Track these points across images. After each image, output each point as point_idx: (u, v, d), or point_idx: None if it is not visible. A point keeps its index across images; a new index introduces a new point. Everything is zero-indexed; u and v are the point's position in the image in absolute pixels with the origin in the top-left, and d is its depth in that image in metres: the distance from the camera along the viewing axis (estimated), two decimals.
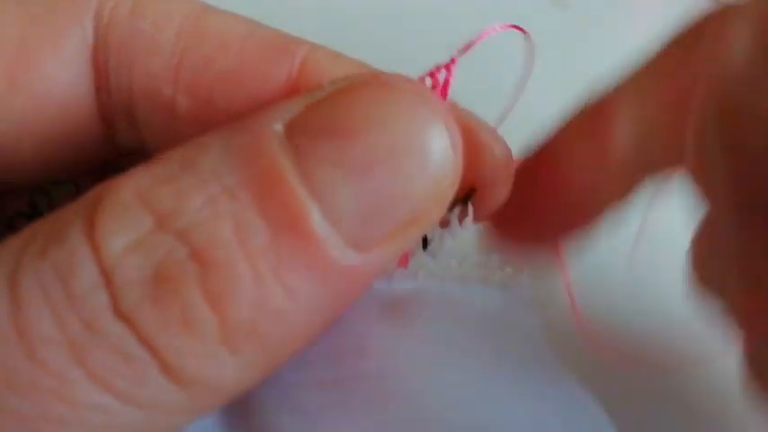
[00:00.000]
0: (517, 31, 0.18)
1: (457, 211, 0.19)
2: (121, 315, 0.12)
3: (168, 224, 0.12)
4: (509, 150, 0.19)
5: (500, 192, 0.19)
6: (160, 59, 0.17)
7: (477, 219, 0.19)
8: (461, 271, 0.20)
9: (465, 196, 0.19)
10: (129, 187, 0.13)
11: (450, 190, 0.15)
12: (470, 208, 0.19)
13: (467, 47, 0.18)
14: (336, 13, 0.59)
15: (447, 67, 0.18)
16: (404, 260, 0.19)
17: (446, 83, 0.18)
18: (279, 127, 0.13)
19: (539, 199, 0.22)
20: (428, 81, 0.18)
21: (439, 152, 0.14)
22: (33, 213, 0.19)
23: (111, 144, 0.20)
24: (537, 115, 0.50)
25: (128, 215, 0.12)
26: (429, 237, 0.19)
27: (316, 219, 0.13)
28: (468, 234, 0.20)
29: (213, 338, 0.12)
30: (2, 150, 0.17)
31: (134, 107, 0.18)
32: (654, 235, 0.31)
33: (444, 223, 0.19)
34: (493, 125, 0.20)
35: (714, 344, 0.30)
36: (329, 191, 0.13)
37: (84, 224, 0.12)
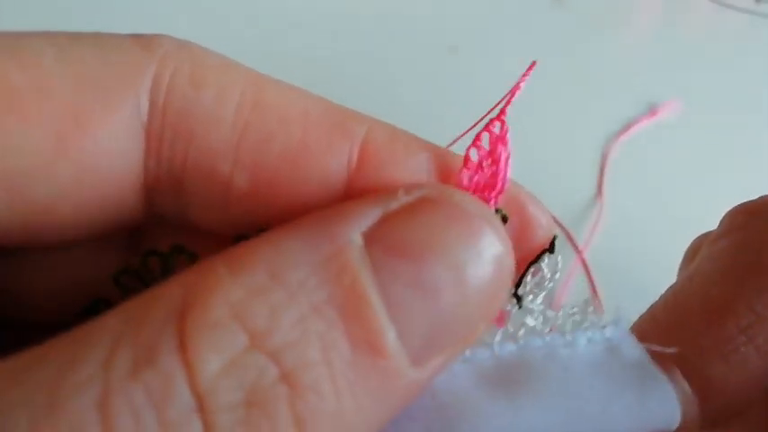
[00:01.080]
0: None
1: (546, 260, 0.19)
2: None
3: (262, 343, 0.12)
4: (551, 220, 0.20)
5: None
6: (220, 135, 0.17)
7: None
8: (559, 321, 0.20)
9: (551, 246, 0.19)
10: (222, 302, 0.12)
11: (498, 308, 0.15)
12: (558, 256, 0.19)
13: (511, 96, 0.18)
14: (341, 17, 0.59)
15: (501, 121, 0.18)
16: (500, 319, 0.19)
17: (503, 137, 0.18)
18: (358, 238, 0.13)
19: None
20: (473, 153, 0.18)
21: (498, 277, 0.14)
22: (143, 272, 0.19)
23: (149, 212, 0.19)
24: (537, 115, 0.50)
25: (222, 334, 0.12)
26: (520, 293, 0.19)
27: (392, 339, 0.13)
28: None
29: None
30: (44, 215, 0.17)
31: (186, 179, 0.17)
32: None
33: (535, 275, 0.19)
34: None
35: None
36: (404, 312, 0.13)
37: (176, 342, 0.12)
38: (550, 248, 0.19)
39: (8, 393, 0.12)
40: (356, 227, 0.14)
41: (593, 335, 0.20)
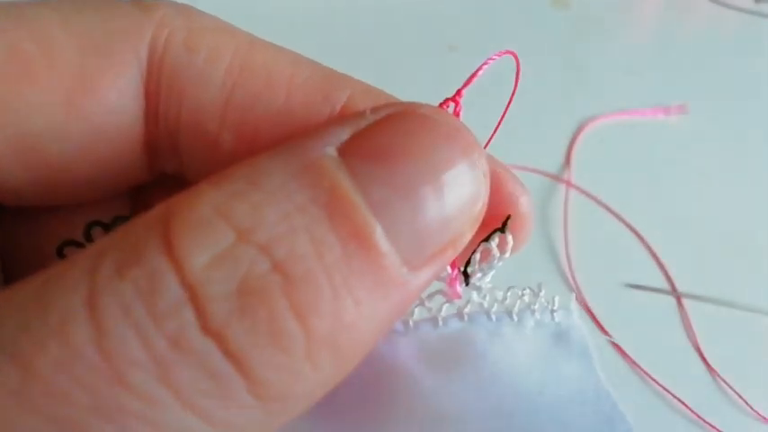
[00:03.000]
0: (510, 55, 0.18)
1: (497, 240, 0.19)
2: (209, 330, 0.12)
3: (249, 237, 0.12)
4: (527, 191, 0.20)
5: (525, 231, 0.20)
6: (209, 95, 0.17)
7: (507, 251, 0.19)
8: (507, 301, 0.19)
9: (502, 225, 0.19)
10: (206, 203, 0.12)
11: (480, 214, 0.15)
12: (509, 236, 0.19)
13: (469, 80, 0.18)
14: (333, 13, 0.59)
15: (455, 101, 0.18)
16: (456, 293, 0.19)
17: (456, 116, 0.18)
18: (332, 151, 0.14)
19: None
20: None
21: (473, 178, 0.14)
22: (87, 244, 0.19)
23: (150, 169, 0.20)
24: (536, 115, 0.50)
25: (209, 230, 0.12)
26: (469, 271, 0.19)
27: (379, 235, 0.13)
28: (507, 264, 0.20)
29: (299, 352, 0.12)
30: (57, 174, 0.17)
31: (179, 137, 0.18)
32: None
33: (485, 256, 0.19)
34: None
35: None
36: (387, 209, 0.13)
37: (162, 241, 0.12)
38: (502, 228, 0.18)
39: (1, 302, 0.12)
40: (328, 142, 0.14)
41: (543, 318, 0.19)
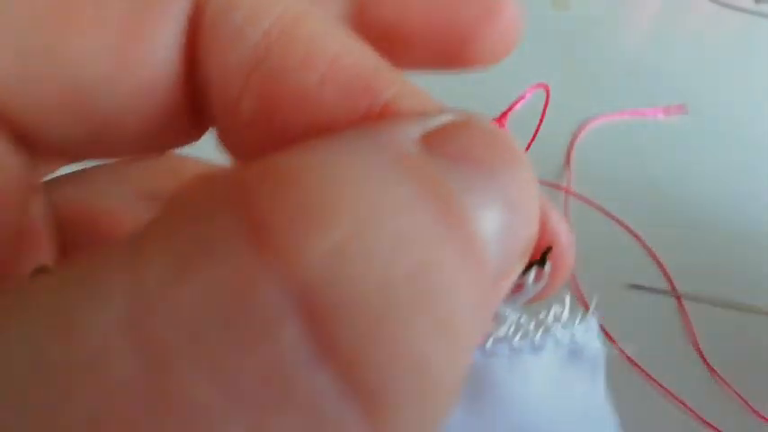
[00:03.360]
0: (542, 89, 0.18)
1: (534, 272, 0.18)
2: (331, 358, 0.09)
3: (378, 225, 0.09)
4: (570, 232, 0.19)
5: (565, 267, 0.19)
6: (238, 55, 0.16)
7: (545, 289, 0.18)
8: (531, 326, 0.19)
9: (542, 258, 0.18)
10: (310, 172, 0.10)
11: (533, 244, 0.14)
12: (548, 267, 0.18)
13: (508, 110, 0.17)
14: None
15: (501, 123, 0.17)
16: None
17: None
18: (412, 144, 0.11)
19: None
20: None
21: (534, 204, 0.13)
22: None
23: (193, 131, 0.19)
24: (536, 115, 0.50)
25: (318, 210, 0.09)
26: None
27: (484, 247, 0.11)
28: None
29: (448, 384, 0.10)
30: (105, 129, 0.17)
31: (209, 100, 0.17)
32: None
33: (518, 288, 0.18)
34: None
35: None
36: (479, 216, 0.11)
37: (246, 228, 0.09)
38: (541, 260, 0.17)
39: (10, 315, 0.09)
40: (406, 133, 0.11)
41: (562, 337, 0.19)
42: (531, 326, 0.19)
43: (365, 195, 0.09)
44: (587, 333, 0.19)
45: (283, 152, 0.10)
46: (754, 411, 0.37)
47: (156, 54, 0.16)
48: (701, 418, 0.36)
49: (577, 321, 0.19)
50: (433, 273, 0.09)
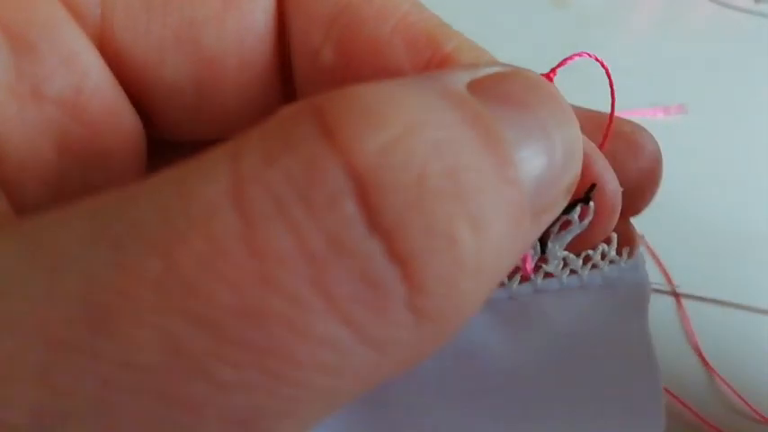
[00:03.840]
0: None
1: (579, 209, 0.18)
2: (377, 227, 0.10)
3: (421, 132, 0.11)
4: (657, 150, 0.19)
5: (649, 191, 0.20)
6: (321, 6, 0.18)
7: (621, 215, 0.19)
8: (578, 267, 0.19)
9: (585, 195, 0.18)
10: (366, 94, 0.11)
11: (576, 182, 0.15)
12: (592, 204, 0.18)
13: (557, 66, 0.18)
14: None
15: (549, 78, 0.18)
16: (527, 267, 0.19)
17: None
18: (463, 87, 0.13)
19: None
20: None
21: (578, 146, 0.14)
22: None
23: (281, 90, 0.20)
24: None
25: (376, 115, 0.11)
26: (546, 240, 0.18)
27: (519, 171, 0.12)
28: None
29: (470, 265, 0.11)
30: (208, 65, 0.18)
31: (291, 48, 0.19)
32: None
33: (565, 226, 0.18)
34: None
35: None
36: (518, 149, 0.12)
37: (318, 127, 0.11)
38: (585, 199, 0.18)
39: (138, 191, 0.11)
40: (456, 79, 0.13)
41: (609, 273, 0.19)
42: (580, 263, 0.19)
43: (415, 111, 0.11)
44: (634, 270, 0.20)
45: (346, 87, 0.12)
46: (754, 411, 0.37)
47: (257, 3, 0.18)
48: (701, 418, 0.36)
49: (624, 258, 0.19)
50: (467, 173, 0.11)
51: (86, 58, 0.16)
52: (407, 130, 0.11)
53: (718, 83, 0.58)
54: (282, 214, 0.10)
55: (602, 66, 0.18)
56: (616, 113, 0.22)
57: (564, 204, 0.14)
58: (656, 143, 0.19)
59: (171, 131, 0.20)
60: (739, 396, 0.37)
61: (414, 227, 0.10)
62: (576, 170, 0.14)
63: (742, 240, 0.45)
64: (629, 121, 0.19)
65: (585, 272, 0.19)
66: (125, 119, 0.17)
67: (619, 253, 0.19)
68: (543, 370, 0.18)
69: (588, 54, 0.19)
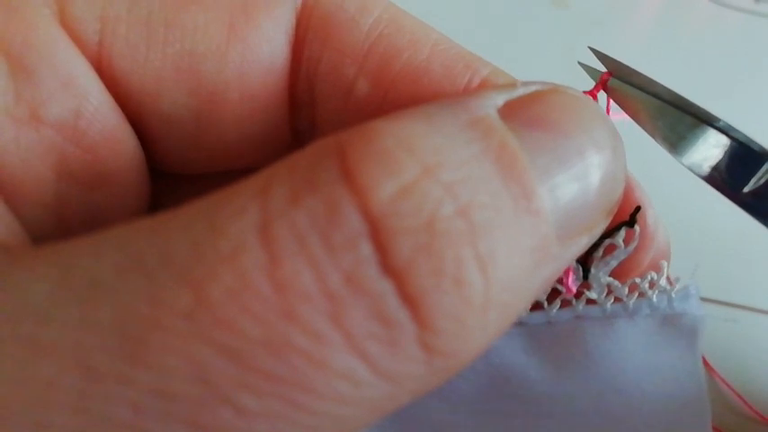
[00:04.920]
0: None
1: (623, 233, 0.18)
2: (389, 268, 0.11)
3: (435, 174, 0.11)
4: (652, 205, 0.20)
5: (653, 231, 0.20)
6: (354, 39, 0.17)
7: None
8: (623, 295, 0.18)
9: (631, 218, 0.18)
10: (387, 135, 0.12)
11: (618, 202, 0.15)
12: (637, 228, 0.18)
13: (600, 83, 0.18)
14: None
15: (593, 95, 0.18)
16: (569, 288, 0.18)
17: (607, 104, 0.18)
18: (494, 111, 0.13)
19: None
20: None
21: (621, 167, 0.14)
22: None
23: (290, 123, 0.20)
24: None
25: (393, 161, 0.11)
26: (589, 265, 0.18)
27: (546, 201, 0.13)
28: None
29: (478, 304, 0.12)
30: (209, 98, 0.17)
31: (317, 81, 0.18)
32: None
33: (610, 250, 0.18)
34: None
35: None
36: (548, 177, 0.13)
37: (340, 170, 0.11)
38: (630, 222, 0.18)
39: (169, 222, 0.11)
40: (487, 104, 0.13)
41: (659, 302, 0.18)
42: (626, 291, 0.18)
43: (431, 153, 0.12)
44: (687, 300, 0.19)
45: (377, 119, 0.12)
46: (755, 411, 0.37)
47: (266, 34, 0.17)
48: None
49: (675, 288, 0.19)
50: (482, 211, 0.12)
51: (85, 81, 0.16)
52: (422, 173, 0.11)
53: (718, 83, 0.58)
54: (305, 252, 0.11)
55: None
56: (616, 114, 0.21)
57: (604, 226, 0.15)
58: (667, 238, 0.20)
59: (170, 161, 0.19)
60: (739, 396, 0.37)
61: (422, 269, 0.11)
62: (617, 192, 0.14)
63: (742, 241, 0.45)
64: (642, 194, 0.19)
65: (631, 300, 0.18)
66: (125, 143, 0.17)
67: (669, 282, 0.19)
68: (581, 400, 0.17)
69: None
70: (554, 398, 0.17)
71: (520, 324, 0.18)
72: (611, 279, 0.18)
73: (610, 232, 0.18)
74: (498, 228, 0.12)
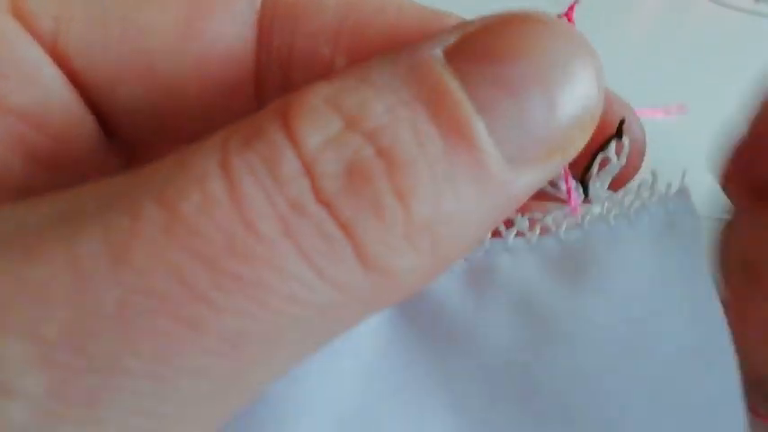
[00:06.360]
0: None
1: (613, 146, 0.18)
2: (322, 201, 0.13)
3: (356, 125, 0.13)
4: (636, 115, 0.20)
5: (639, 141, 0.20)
6: (323, 20, 0.18)
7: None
8: (625, 203, 0.19)
9: (618, 131, 0.18)
10: (318, 95, 0.14)
11: (593, 120, 0.15)
12: (626, 139, 0.18)
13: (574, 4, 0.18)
14: None
15: (568, 17, 0.17)
16: (574, 207, 0.19)
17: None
18: (438, 52, 0.14)
19: None
20: None
21: (587, 82, 0.15)
22: None
23: (258, 106, 0.20)
24: None
25: (320, 117, 0.13)
26: (588, 182, 0.19)
27: (482, 132, 0.14)
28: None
29: (398, 229, 0.13)
30: (166, 94, 0.18)
31: (292, 67, 0.19)
32: None
33: (603, 164, 0.19)
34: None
35: None
36: (491, 108, 0.14)
37: (281, 123, 0.13)
38: (618, 134, 0.18)
39: (143, 169, 0.13)
40: (436, 46, 0.14)
41: (656, 210, 0.19)
42: (625, 201, 0.19)
43: (358, 104, 0.14)
44: (681, 204, 0.19)
45: (313, 83, 0.14)
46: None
47: (224, 28, 0.18)
48: None
49: (671, 193, 0.19)
50: (399, 152, 0.13)
51: (47, 73, 0.17)
52: (345, 126, 0.13)
53: (718, 83, 0.58)
54: (257, 182, 0.13)
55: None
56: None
57: (580, 145, 0.15)
58: (641, 131, 0.20)
59: (137, 146, 0.20)
60: None
61: (347, 203, 0.13)
62: (592, 103, 0.15)
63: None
64: (622, 104, 0.19)
65: (633, 210, 0.19)
66: (88, 130, 0.18)
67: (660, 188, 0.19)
68: (599, 313, 0.18)
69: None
70: (575, 314, 0.18)
71: (531, 250, 0.18)
72: (609, 192, 0.19)
73: (601, 147, 0.18)
74: (424, 162, 0.13)
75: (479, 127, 0.14)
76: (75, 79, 0.18)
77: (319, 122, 0.13)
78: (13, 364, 0.12)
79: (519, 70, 0.14)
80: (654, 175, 0.19)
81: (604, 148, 0.18)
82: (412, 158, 0.13)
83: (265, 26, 0.18)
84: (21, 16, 0.17)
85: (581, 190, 0.19)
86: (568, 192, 0.19)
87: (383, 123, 0.13)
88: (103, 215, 0.13)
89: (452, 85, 0.14)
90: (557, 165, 0.15)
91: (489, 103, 0.14)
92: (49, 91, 0.17)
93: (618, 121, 0.18)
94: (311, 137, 0.13)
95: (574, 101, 0.14)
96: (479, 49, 0.14)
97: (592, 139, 0.17)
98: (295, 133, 0.13)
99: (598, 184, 0.19)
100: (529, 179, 0.15)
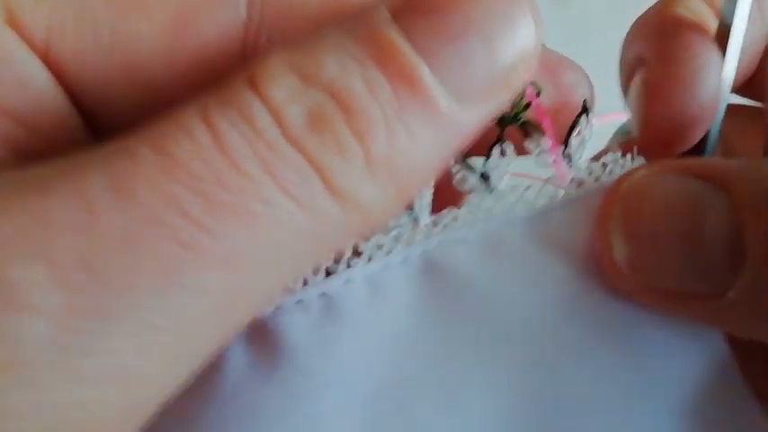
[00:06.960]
0: None
1: (584, 121, 0.21)
2: (293, 142, 0.15)
3: (313, 80, 0.15)
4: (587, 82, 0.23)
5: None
6: (309, 12, 0.19)
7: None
8: (607, 170, 0.22)
9: (583, 107, 0.22)
10: (278, 58, 0.16)
11: (530, 63, 0.17)
12: (591, 114, 0.22)
13: None
14: None
15: None
16: (562, 174, 0.22)
17: None
18: (384, 12, 0.16)
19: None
20: None
21: (524, 28, 0.17)
22: None
23: None
24: None
25: (282, 76, 0.15)
26: (569, 154, 0.21)
27: (426, 74, 0.16)
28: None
29: (360, 164, 0.15)
30: (155, 98, 0.19)
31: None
32: None
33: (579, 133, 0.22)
34: None
35: None
36: (433, 53, 0.16)
37: (249, 86, 0.15)
38: (585, 111, 0.22)
39: (137, 127, 0.15)
40: (380, 7, 0.16)
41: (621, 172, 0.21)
42: (607, 170, 0.21)
43: (313, 63, 0.16)
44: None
45: (274, 50, 0.16)
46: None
47: (210, 33, 0.19)
48: None
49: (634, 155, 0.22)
50: (353, 99, 0.15)
51: (39, 78, 0.18)
52: (302, 81, 0.15)
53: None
54: (237, 131, 0.15)
55: None
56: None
57: (520, 83, 0.17)
58: (581, 77, 0.23)
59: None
60: None
61: (313, 144, 0.15)
62: (529, 48, 0.17)
63: None
64: (571, 66, 0.23)
65: (610, 175, 0.21)
66: (79, 131, 0.19)
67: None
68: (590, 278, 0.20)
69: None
70: (562, 284, 0.20)
71: (533, 218, 0.21)
72: (587, 162, 0.22)
73: (574, 123, 0.21)
74: (376, 106, 0.15)
75: (423, 70, 0.16)
76: (67, 84, 0.19)
77: (281, 81, 0.15)
78: (32, 285, 0.13)
79: (459, 19, 0.16)
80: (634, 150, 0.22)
81: (576, 124, 0.21)
82: (365, 104, 0.15)
83: (252, 27, 0.20)
84: (16, 26, 0.18)
85: (568, 161, 0.21)
86: (557, 162, 0.21)
87: (336, 76, 0.15)
88: (106, 160, 0.15)
89: (395, 37, 0.16)
90: (498, 102, 0.17)
91: (432, 49, 0.16)
92: (42, 95, 0.18)
93: (581, 100, 0.22)
94: (277, 93, 0.15)
95: (512, 46, 0.16)
96: (423, 5, 0.16)
97: (562, 116, 0.21)
98: (263, 92, 0.15)
99: (577, 156, 0.21)
100: (474, 114, 0.17)
